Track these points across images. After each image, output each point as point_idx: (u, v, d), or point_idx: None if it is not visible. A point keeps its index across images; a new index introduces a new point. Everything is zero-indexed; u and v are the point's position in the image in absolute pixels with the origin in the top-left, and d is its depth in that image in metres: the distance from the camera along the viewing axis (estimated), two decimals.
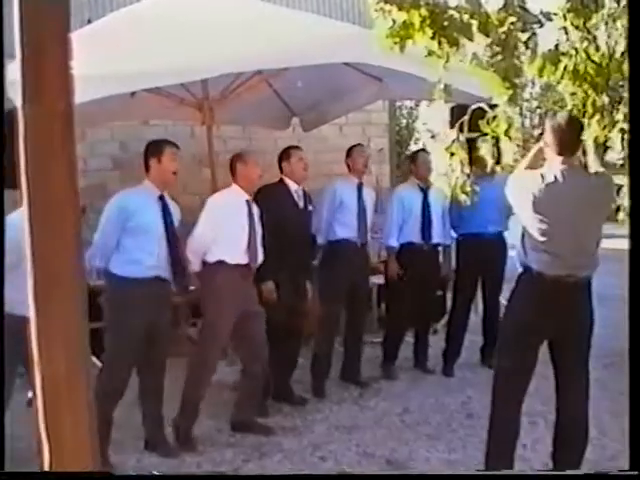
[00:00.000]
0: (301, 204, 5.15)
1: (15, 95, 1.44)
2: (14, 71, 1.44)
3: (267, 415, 4.90)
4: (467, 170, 3.03)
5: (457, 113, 3.22)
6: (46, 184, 1.43)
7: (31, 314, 1.43)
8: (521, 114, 25.04)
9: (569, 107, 2.63)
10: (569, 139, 3.34)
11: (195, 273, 4.61)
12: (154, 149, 4.28)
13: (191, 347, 5.07)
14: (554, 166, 3.46)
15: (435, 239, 5.82)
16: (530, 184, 3.45)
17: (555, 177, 3.42)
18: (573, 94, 2.48)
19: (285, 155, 5.16)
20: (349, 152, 5.71)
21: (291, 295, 5.01)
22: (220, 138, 6.55)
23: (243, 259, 4.53)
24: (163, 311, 4.28)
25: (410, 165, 6.06)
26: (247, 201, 4.62)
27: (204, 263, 4.52)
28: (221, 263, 4.46)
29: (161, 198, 4.26)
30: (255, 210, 4.66)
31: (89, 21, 5.65)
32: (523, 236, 3.59)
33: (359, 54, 4.34)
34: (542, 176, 3.45)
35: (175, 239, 4.27)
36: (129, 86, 4.28)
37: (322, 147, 5.82)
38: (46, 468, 1.45)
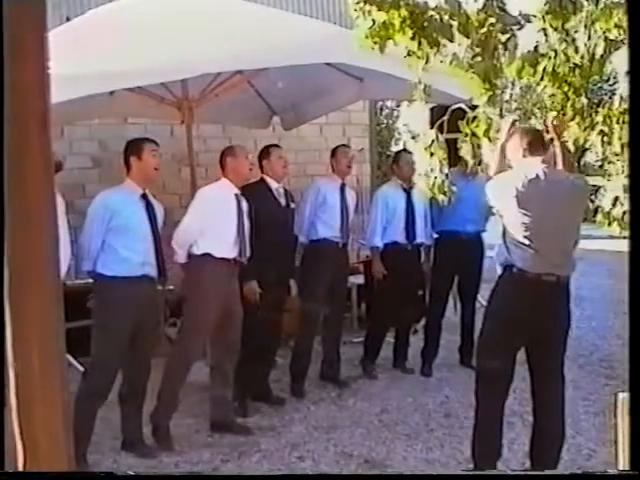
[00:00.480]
0: (283, 202, 5.13)
1: None
2: None
3: (246, 415, 4.89)
4: (446, 170, 3.04)
5: (437, 114, 3.24)
6: (22, 182, 1.42)
7: (5, 313, 1.42)
8: (501, 115, 25.16)
9: (548, 109, 2.65)
10: (539, 138, 3.39)
11: (181, 265, 4.59)
12: (134, 147, 4.25)
13: (169, 347, 5.03)
14: (534, 166, 3.49)
15: (419, 239, 5.83)
16: (514, 182, 3.47)
17: (537, 175, 3.45)
18: (552, 96, 2.50)
19: (265, 153, 5.14)
20: (333, 152, 5.70)
21: (274, 294, 4.98)
22: (200, 137, 6.53)
23: (230, 253, 4.51)
24: (152, 310, 4.25)
25: (392, 165, 6.07)
26: (236, 195, 4.61)
27: (190, 255, 4.50)
28: (207, 256, 4.44)
29: (144, 196, 4.23)
30: (244, 205, 4.65)
31: (67, 19, 5.61)
32: (504, 234, 3.61)
33: (340, 54, 4.35)
34: (525, 174, 3.48)
35: (158, 237, 4.25)
36: (108, 85, 4.25)
37: (302, 147, 5.81)
38: (20, 468, 1.44)
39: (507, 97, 24.91)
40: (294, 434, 4.62)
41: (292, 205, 5.23)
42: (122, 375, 4.26)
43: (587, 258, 12.15)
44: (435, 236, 6.01)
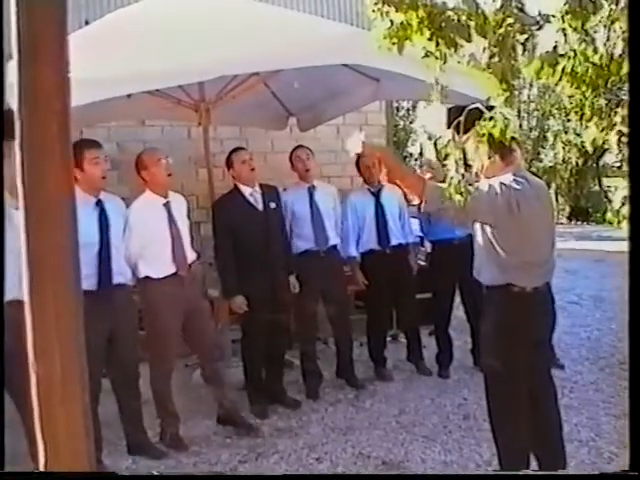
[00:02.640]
0: (260, 206, 4.99)
1: (12, 95, 1.44)
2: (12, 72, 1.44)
3: (264, 417, 4.90)
4: (462, 170, 3.02)
5: (454, 114, 3.21)
6: (42, 184, 1.43)
7: (26, 312, 1.43)
8: (519, 116, 25.13)
9: (567, 109, 2.63)
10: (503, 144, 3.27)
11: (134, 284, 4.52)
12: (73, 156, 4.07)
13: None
14: (506, 173, 3.45)
15: (394, 241, 5.69)
16: (500, 193, 3.38)
17: (516, 184, 3.40)
18: (571, 96, 2.48)
19: (229, 162, 5.03)
20: (290, 160, 5.54)
21: (272, 295, 4.96)
22: (216, 139, 6.55)
23: (170, 269, 4.40)
24: (121, 316, 4.16)
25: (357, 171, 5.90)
26: (165, 204, 4.45)
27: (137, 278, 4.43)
28: (148, 279, 4.36)
29: (98, 203, 4.09)
30: (175, 209, 4.49)
31: (86, 22, 5.65)
32: (490, 250, 3.51)
33: (356, 55, 4.34)
34: (505, 183, 3.40)
35: (108, 247, 4.09)
36: (126, 89, 4.25)
37: (318, 148, 5.80)
38: (41, 468, 1.45)
39: (525, 98, 24.87)
40: (311, 435, 4.62)
41: (272, 205, 5.05)
42: (112, 387, 4.25)
43: (608, 260, 12.09)
44: (427, 243, 5.98)
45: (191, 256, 4.56)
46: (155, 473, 4.07)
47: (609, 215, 2.49)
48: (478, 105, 2.85)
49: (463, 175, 3.08)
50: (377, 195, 5.73)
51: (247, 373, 5.06)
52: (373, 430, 4.68)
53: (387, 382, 5.68)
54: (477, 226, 3.60)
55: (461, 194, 3.01)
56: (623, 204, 2.38)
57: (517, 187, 3.37)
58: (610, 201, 2.50)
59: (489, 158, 3.45)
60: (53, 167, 1.46)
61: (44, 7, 1.43)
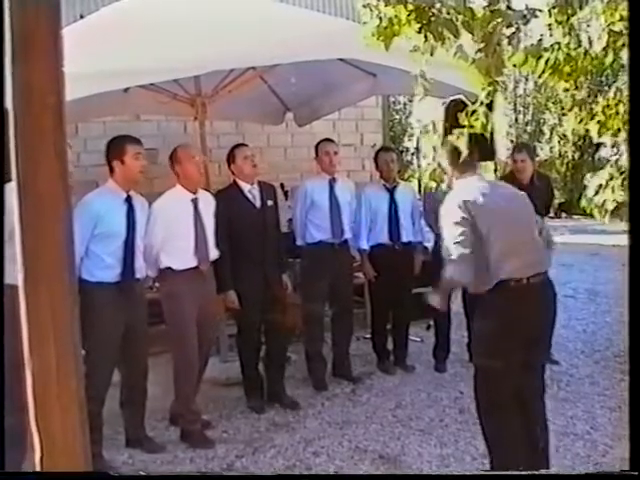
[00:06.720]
0: (258, 203, 4.99)
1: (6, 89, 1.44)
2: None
3: (261, 412, 4.91)
4: (439, 158, 3.04)
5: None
6: (36, 178, 1.44)
7: (22, 307, 1.43)
8: (515, 110, 25.17)
9: (562, 102, 2.65)
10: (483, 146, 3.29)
11: (154, 277, 4.62)
12: (116, 149, 4.14)
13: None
14: (475, 178, 3.49)
15: (405, 238, 5.74)
16: (480, 198, 3.41)
17: (488, 185, 3.43)
18: (567, 90, 2.49)
19: (231, 157, 5.02)
20: (315, 151, 5.60)
21: (265, 292, 4.95)
22: (213, 134, 6.55)
23: (191, 263, 4.47)
24: (138, 311, 4.22)
25: (374, 165, 5.98)
26: (193, 200, 4.53)
27: (158, 268, 4.49)
28: (169, 269, 4.43)
29: (127, 199, 4.16)
30: (203, 206, 4.57)
31: (81, 16, 5.64)
32: (476, 253, 3.47)
33: (353, 50, 4.33)
34: (479, 188, 3.44)
35: (133, 241, 4.17)
36: (122, 83, 4.26)
37: (314, 143, 5.80)
38: (37, 463, 1.45)
39: (521, 92, 24.89)
40: (308, 430, 4.63)
41: (270, 203, 5.07)
42: (121, 379, 4.29)
43: (601, 253, 12.13)
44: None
45: (214, 253, 4.63)
46: (143, 473, 4.06)
47: (583, 202, 2.50)
48: (461, 96, 2.85)
49: (439, 164, 3.09)
50: (392, 191, 5.78)
51: (243, 369, 5.06)
52: (370, 424, 4.69)
53: (384, 376, 5.69)
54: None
55: (435, 181, 3.03)
56: (597, 192, 2.40)
57: (479, 188, 3.41)
58: (585, 187, 2.50)
59: (467, 149, 3.46)
60: (47, 162, 1.45)
61: (38, 1, 1.43)
